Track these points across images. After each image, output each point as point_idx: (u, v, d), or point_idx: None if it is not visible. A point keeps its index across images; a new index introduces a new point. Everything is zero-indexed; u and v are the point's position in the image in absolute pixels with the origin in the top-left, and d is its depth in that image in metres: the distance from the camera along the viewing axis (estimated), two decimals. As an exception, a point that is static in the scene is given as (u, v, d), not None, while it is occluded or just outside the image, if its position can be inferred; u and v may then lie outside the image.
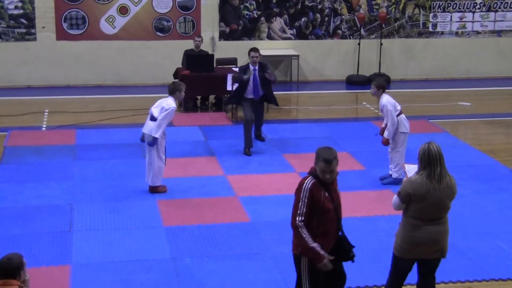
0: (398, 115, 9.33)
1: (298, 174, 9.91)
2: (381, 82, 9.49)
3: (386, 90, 9.57)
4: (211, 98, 13.92)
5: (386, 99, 9.33)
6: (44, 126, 12.30)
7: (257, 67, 11.03)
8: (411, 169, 6.25)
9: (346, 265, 7.22)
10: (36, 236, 7.82)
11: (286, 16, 15.93)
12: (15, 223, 8.17)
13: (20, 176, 9.73)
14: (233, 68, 13.80)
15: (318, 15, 16.07)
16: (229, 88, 12.98)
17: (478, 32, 16.73)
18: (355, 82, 15.95)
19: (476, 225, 8.33)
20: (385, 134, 9.37)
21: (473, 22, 16.70)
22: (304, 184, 5.68)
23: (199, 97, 13.87)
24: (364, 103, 14.34)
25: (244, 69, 11.12)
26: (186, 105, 13.47)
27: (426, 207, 5.68)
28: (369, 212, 8.61)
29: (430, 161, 5.66)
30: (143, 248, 7.57)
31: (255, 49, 11.22)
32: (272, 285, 6.85)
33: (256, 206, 8.78)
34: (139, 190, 9.25)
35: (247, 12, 15.73)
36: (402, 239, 5.83)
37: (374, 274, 6.96)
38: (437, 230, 5.77)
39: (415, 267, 6.01)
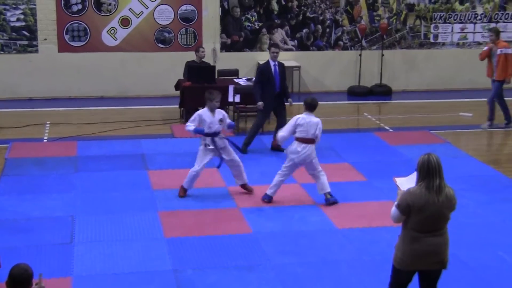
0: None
1: (300, 185, 9.91)
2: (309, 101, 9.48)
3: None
4: (213, 109, 13.91)
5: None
6: (45, 138, 12.31)
7: (276, 63, 11.27)
8: (403, 182, 6.22)
9: (347, 276, 7.21)
10: (37, 248, 7.80)
11: (287, 27, 15.96)
12: (16, 235, 8.15)
13: (21, 188, 9.72)
14: (235, 80, 13.82)
15: (319, 26, 16.10)
16: (230, 99, 12.99)
17: (479, 43, 16.75)
18: (356, 93, 15.97)
19: (478, 236, 8.30)
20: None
21: (474, 33, 16.73)
22: None
23: (200, 108, 13.85)
24: (365, 114, 14.34)
25: (264, 67, 11.35)
26: (188, 117, 13.46)
27: (425, 218, 5.66)
28: (371, 223, 8.59)
29: (429, 172, 5.64)
30: (145, 259, 7.55)
31: (275, 45, 11.77)
32: (273, 296, 6.83)
33: (257, 217, 8.77)
34: (141, 202, 9.24)
35: (249, 24, 15.77)
36: (402, 251, 5.81)
37: (376, 285, 6.93)
38: (437, 241, 5.75)
39: (415, 278, 5.98)
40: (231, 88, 13.02)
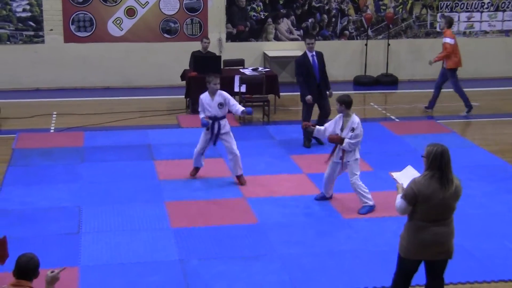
0: None
1: (306, 175, 9.92)
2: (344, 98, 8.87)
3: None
4: (219, 99, 13.92)
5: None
6: (52, 128, 12.34)
7: (314, 53, 11.14)
8: (399, 176, 6.22)
9: (353, 266, 7.23)
10: (45, 238, 7.85)
11: (293, 17, 15.92)
12: (24, 225, 8.20)
13: (28, 178, 9.76)
14: (241, 70, 13.81)
15: (325, 16, 16.06)
16: (236, 89, 12.99)
17: (486, 32, 16.68)
18: (362, 82, 15.93)
19: (484, 225, 8.30)
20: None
21: (481, 22, 16.65)
22: None
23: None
24: (371, 103, 14.32)
25: (301, 59, 11.18)
26: (194, 107, 13.47)
27: (431, 208, 5.67)
28: (377, 213, 8.60)
29: (442, 164, 5.62)
30: (151, 249, 7.59)
31: (310, 35, 11.70)
32: (279, 286, 6.85)
33: (263, 207, 8.79)
34: (147, 192, 9.27)
35: (254, 14, 15.73)
36: (408, 240, 5.82)
37: (382, 275, 6.94)
38: (442, 231, 5.76)
39: (421, 268, 5.99)
40: (237, 78, 13.02)
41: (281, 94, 13.55)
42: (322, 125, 10.58)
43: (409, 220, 5.82)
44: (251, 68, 14.11)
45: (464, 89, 13.39)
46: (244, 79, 13.02)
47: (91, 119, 12.82)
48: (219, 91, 9.39)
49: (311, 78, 11.05)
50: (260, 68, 14.19)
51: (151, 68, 15.41)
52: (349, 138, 8.46)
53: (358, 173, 8.61)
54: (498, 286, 6.96)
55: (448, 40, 13.09)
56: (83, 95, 14.72)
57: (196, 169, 9.80)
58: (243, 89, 12.94)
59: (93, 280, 6.96)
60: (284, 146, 11.29)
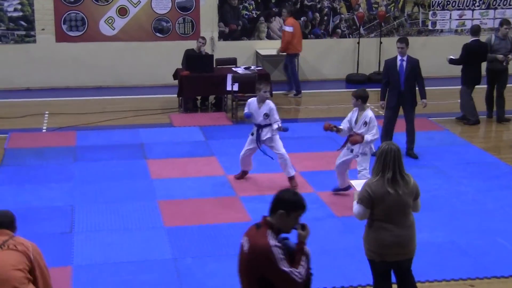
0: None
1: (299, 174, 9.92)
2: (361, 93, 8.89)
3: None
4: (211, 98, 13.92)
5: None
6: (44, 128, 12.30)
7: (405, 58, 10.48)
8: (358, 184, 6.21)
9: (347, 264, 7.23)
10: (37, 238, 7.73)
11: (285, 15, 15.90)
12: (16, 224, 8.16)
13: (20, 178, 9.73)
14: (233, 68, 13.80)
15: (317, 14, 16.07)
16: (229, 88, 12.98)
17: (477, 30, 16.70)
18: (354, 81, 15.94)
19: (477, 222, 8.32)
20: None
21: (472, 19, 16.68)
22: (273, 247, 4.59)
23: (199, 97, 13.87)
24: (364, 102, 14.33)
25: (388, 61, 10.71)
26: (186, 106, 13.47)
27: (388, 208, 5.59)
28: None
29: (392, 163, 5.58)
30: (144, 248, 7.57)
31: (400, 40, 10.68)
32: (273, 284, 6.84)
33: (257, 205, 8.77)
34: (140, 191, 9.25)
35: (246, 12, 15.73)
36: (369, 242, 5.78)
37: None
38: (403, 234, 5.67)
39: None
40: (229, 77, 13.01)
41: (273, 92, 13.53)
42: (411, 145, 10.51)
43: (369, 221, 5.75)
44: (243, 67, 14.11)
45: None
46: (236, 78, 13.02)
47: (84, 119, 12.79)
48: (268, 101, 9.23)
49: (394, 83, 10.43)
50: (252, 67, 14.19)
51: (143, 67, 15.38)
52: (368, 135, 8.51)
53: (366, 166, 8.55)
54: (491, 282, 6.97)
55: (287, 28, 14.10)
56: (75, 94, 14.68)
57: (244, 172, 9.61)
58: (236, 87, 12.93)
59: (86, 279, 6.94)
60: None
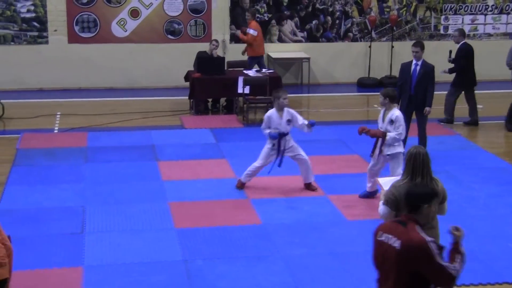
0: None
1: (309, 177, 9.90)
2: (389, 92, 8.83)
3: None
4: (222, 100, 13.94)
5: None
6: (56, 128, 12.35)
7: (419, 63, 10.41)
8: (386, 182, 6.19)
9: (357, 267, 7.21)
10: (48, 238, 7.84)
11: (297, 18, 15.93)
12: (28, 224, 8.20)
13: (32, 178, 9.77)
14: (244, 71, 13.81)
15: (329, 17, 16.07)
16: (240, 90, 12.99)
17: (490, 35, 16.68)
18: (366, 84, 15.93)
19: (488, 228, 8.28)
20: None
21: (485, 24, 16.65)
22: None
23: (210, 99, 13.89)
24: (375, 105, 14.30)
25: (403, 65, 10.64)
26: (197, 108, 13.49)
27: None
28: (381, 215, 8.57)
29: (421, 168, 5.60)
30: (155, 250, 7.58)
31: (415, 44, 10.58)
32: (283, 287, 6.84)
33: (267, 208, 8.78)
34: (151, 192, 9.26)
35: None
36: None
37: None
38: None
39: None
40: (240, 80, 13.02)
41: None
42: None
43: None
44: (254, 69, 14.12)
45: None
46: (247, 81, 13.03)
47: (95, 120, 12.84)
48: (286, 108, 9.19)
49: (406, 87, 10.43)
50: (263, 70, 14.19)
51: (155, 69, 15.43)
52: (393, 132, 8.49)
53: (400, 172, 7.94)
54: (502, 288, 6.95)
55: (251, 31, 14.14)
56: (87, 95, 14.73)
57: (243, 184, 9.43)
58: (247, 90, 12.95)
59: (96, 280, 6.95)
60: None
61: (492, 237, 8.01)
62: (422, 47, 10.53)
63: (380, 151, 8.73)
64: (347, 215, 8.60)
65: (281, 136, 9.15)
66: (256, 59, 14.46)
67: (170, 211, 8.66)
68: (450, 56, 12.74)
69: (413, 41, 16.28)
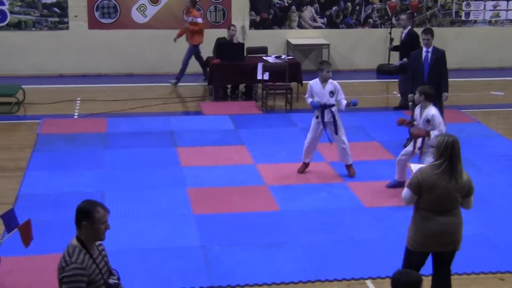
0: None
1: (328, 164, 9.90)
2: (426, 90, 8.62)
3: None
4: (241, 87, 13.93)
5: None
6: (76, 114, 12.42)
7: (430, 50, 10.32)
8: (417, 168, 6.16)
9: (374, 254, 7.21)
10: (68, 222, 7.85)
11: (316, 5, 15.85)
12: (48, 209, 8.28)
13: (52, 163, 9.85)
14: (264, 57, 13.79)
15: (349, 4, 15.97)
16: (259, 77, 12.97)
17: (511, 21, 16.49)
18: (385, 71, 15.82)
19: (508, 216, 8.24)
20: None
21: (507, 10, 16.45)
22: None
23: (229, 86, 13.89)
24: (394, 92, 14.22)
25: (414, 53, 10.54)
26: (216, 94, 13.50)
27: (436, 197, 5.58)
28: (399, 202, 8.53)
29: (452, 155, 5.55)
30: (173, 235, 7.63)
31: (425, 31, 10.52)
32: (301, 274, 6.85)
33: (285, 195, 8.79)
34: (169, 178, 9.30)
35: (278, 1, 15.68)
36: (414, 232, 5.76)
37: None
38: (449, 221, 5.67)
39: (428, 260, 5.92)
40: (260, 66, 13.00)
41: (303, 82, 13.50)
42: None
43: (415, 211, 5.76)
44: (274, 55, 14.09)
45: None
46: (267, 67, 13.01)
47: (115, 106, 12.89)
48: (331, 80, 9.22)
49: (418, 75, 10.27)
50: (283, 56, 14.16)
51: (174, 55, 15.41)
52: (435, 130, 8.33)
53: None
54: (521, 276, 6.90)
55: (199, 20, 14.07)
56: (106, 81, 14.78)
57: (306, 164, 9.50)
58: (266, 76, 12.93)
59: (115, 265, 6.96)
60: (305, 134, 11.24)
61: (511, 225, 7.96)
62: (432, 34, 10.46)
63: (421, 152, 8.49)
64: (365, 202, 8.59)
65: (322, 107, 9.13)
66: (198, 47, 14.24)
67: (188, 197, 8.69)
68: (390, 44, 12.59)
69: (434, 27, 16.25)
